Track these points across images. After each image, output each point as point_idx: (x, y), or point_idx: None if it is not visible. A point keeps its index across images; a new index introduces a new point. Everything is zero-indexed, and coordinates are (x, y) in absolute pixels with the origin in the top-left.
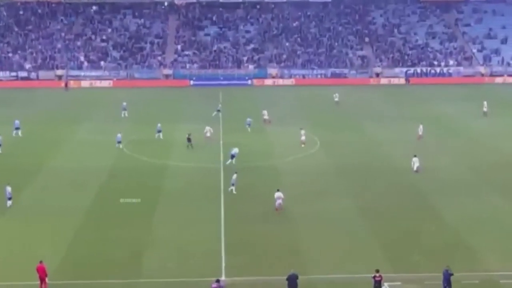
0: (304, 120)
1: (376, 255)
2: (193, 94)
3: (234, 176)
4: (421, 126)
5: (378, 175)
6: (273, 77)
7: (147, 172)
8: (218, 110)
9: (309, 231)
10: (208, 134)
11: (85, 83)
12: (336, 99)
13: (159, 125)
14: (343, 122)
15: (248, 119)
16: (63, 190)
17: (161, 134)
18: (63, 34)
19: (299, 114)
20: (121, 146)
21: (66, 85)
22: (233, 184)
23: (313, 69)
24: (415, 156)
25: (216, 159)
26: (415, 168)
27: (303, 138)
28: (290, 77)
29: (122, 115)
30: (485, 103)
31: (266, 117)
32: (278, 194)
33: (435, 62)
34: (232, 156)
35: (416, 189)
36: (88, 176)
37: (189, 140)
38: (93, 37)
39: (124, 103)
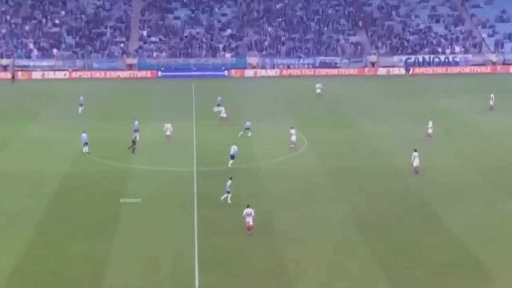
0: (290, 116)
1: (372, 271)
2: (162, 87)
3: (229, 182)
4: (430, 123)
5: (374, 179)
6: (254, 67)
7: (109, 177)
8: (219, 104)
9: (294, 243)
10: (168, 133)
11: (36, 75)
12: (318, 91)
13: (136, 123)
14: (334, 118)
15: (247, 123)
16: (11, 198)
17: (137, 135)
18: (8, 17)
19: (283, 109)
20: (87, 149)
21: (13, 76)
22: (228, 192)
23: (299, 58)
24: (415, 150)
25: (189, 161)
26: (414, 164)
27: (293, 138)
28: (273, 67)
29: (80, 111)
30: (492, 95)
31: (223, 114)
32: (247, 211)
33: (439, 49)
34: (232, 157)
35: (417, 194)
36: (40, 182)
37: (134, 141)
38: (43, 21)
39: (81, 98)
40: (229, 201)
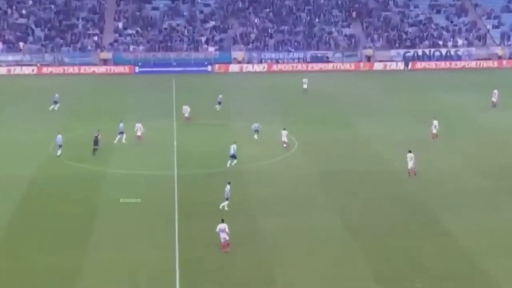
0: (279, 115)
1: (367, 284)
2: (139, 84)
3: (227, 187)
4: (435, 122)
5: (370, 183)
6: (239, 62)
7: (83, 182)
8: (219, 103)
9: (283, 254)
10: (139, 133)
11: (1, 70)
12: (305, 86)
13: (121, 125)
14: (327, 117)
15: (255, 124)
16: None
17: (124, 137)
18: None
19: (272, 108)
20: (59, 152)
21: None
22: (226, 199)
23: (289, 51)
24: (409, 152)
25: (169, 164)
26: (409, 166)
27: (284, 138)
28: (261, 61)
29: (51, 108)
30: (495, 91)
31: (186, 114)
32: (221, 226)
33: (440, 42)
34: (233, 157)
35: (417, 199)
36: (5, 189)
37: (96, 141)
38: (9, 11)
39: (56, 95)
40: (226, 208)
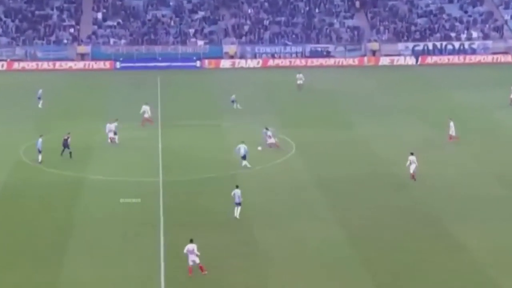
0: (275, 115)
1: None
2: (121, 81)
3: (238, 192)
4: (451, 124)
5: (374, 190)
6: (231, 57)
7: (58, 191)
8: (233, 101)
9: (279, 267)
10: (111, 135)
11: None
12: (300, 82)
13: (115, 124)
14: (327, 117)
15: (268, 132)
16: None
17: (116, 138)
18: None
19: (267, 107)
20: (40, 159)
21: None
22: (238, 204)
23: (286, 45)
24: (411, 154)
25: (153, 170)
26: (411, 171)
27: (271, 140)
28: (255, 56)
29: (40, 105)
30: None
31: (146, 115)
32: (190, 247)
33: (453, 35)
34: (244, 157)
35: (425, 209)
36: None
37: (65, 144)
38: None
39: (40, 91)
40: (237, 216)
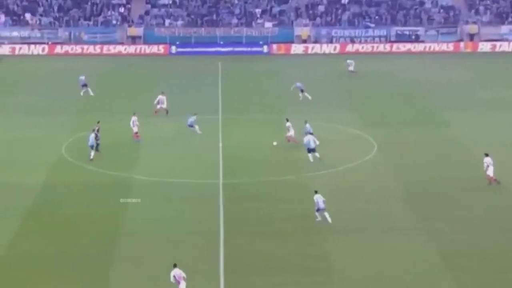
0: (351, 109)
1: None
2: (176, 68)
3: (320, 198)
4: None
5: (468, 198)
6: (304, 41)
7: (102, 194)
8: (302, 91)
9: (361, 286)
10: (136, 129)
11: (3, 49)
12: (351, 68)
13: (193, 117)
14: (414, 113)
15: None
16: None
17: (197, 128)
18: None
19: (344, 101)
20: (92, 154)
21: None
22: (322, 209)
23: (367, 28)
24: (486, 155)
25: (212, 171)
26: (491, 174)
27: (290, 133)
28: (331, 41)
29: (82, 93)
30: None
31: (163, 105)
32: (177, 272)
33: None
34: (312, 150)
35: None
36: (7, 202)
37: (96, 136)
38: None
39: (82, 77)
40: (329, 219)
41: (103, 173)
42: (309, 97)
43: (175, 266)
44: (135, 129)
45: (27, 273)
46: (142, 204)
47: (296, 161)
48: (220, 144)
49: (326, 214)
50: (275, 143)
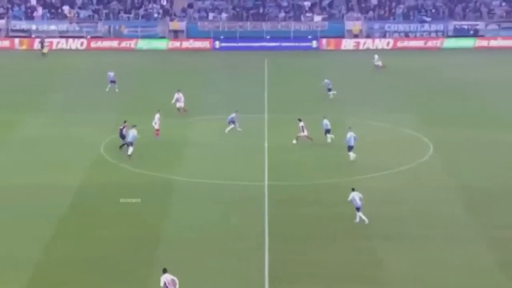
0: (405, 108)
1: None
2: (220, 63)
3: (357, 195)
4: None
5: None
6: (355, 36)
7: (142, 195)
8: (329, 89)
9: None
10: (157, 126)
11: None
12: (378, 63)
13: (234, 114)
14: (474, 112)
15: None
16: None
17: (237, 125)
18: None
19: (397, 99)
20: (130, 150)
21: (42, 45)
22: (358, 209)
23: (423, 22)
24: None
25: (257, 172)
26: None
27: (304, 133)
28: (384, 35)
29: (108, 89)
30: None
31: (181, 103)
32: (168, 279)
33: None
34: (351, 148)
35: None
36: (44, 202)
37: (121, 134)
38: None
39: (111, 73)
40: (365, 219)
41: (144, 174)
42: (331, 97)
43: (165, 271)
44: (156, 127)
45: (65, 277)
46: (182, 206)
47: (346, 163)
48: (266, 144)
49: (362, 214)
50: (294, 142)
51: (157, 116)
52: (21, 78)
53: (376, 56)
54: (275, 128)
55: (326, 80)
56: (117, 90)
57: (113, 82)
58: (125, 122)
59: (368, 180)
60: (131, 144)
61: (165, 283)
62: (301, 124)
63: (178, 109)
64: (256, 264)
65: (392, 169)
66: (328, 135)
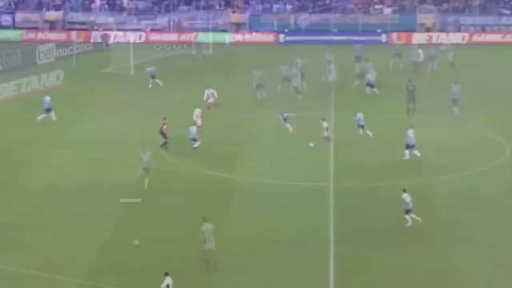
0: (478, 107)
1: None
2: (285, 58)
3: (408, 199)
4: None
5: None
6: (428, 30)
7: (198, 196)
8: (372, 86)
9: None
10: (200, 122)
11: (97, 36)
12: (420, 59)
13: (285, 115)
14: None
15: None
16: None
17: (287, 124)
18: None
19: (473, 97)
20: (197, 144)
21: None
22: (407, 211)
23: (502, 15)
24: None
25: (322, 172)
26: None
27: (326, 134)
28: (459, 29)
29: (150, 86)
30: None
31: (212, 99)
32: (169, 281)
33: None
34: (410, 147)
35: None
36: (100, 201)
37: (162, 132)
38: None
39: (150, 68)
40: (418, 219)
41: (203, 174)
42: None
43: (166, 274)
44: (199, 122)
45: (117, 283)
46: (242, 208)
47: (417, 164)
48: (331, 144)
49: (409, 217)
50: (311, 145)
51: (198, 111)
52: (73, 71)
53: (420, 51)
54: (342, 125)
55: (368, 75)
56: (160, 84)
57: (153, 77)
58: (164, 118)
59: (442, 182)
60: (194, 140)
61: (167, 286)
62: (325, 124)
63: (208, 107)
64: (321, 270)
65: (467, 171)
66: (362, 130)
